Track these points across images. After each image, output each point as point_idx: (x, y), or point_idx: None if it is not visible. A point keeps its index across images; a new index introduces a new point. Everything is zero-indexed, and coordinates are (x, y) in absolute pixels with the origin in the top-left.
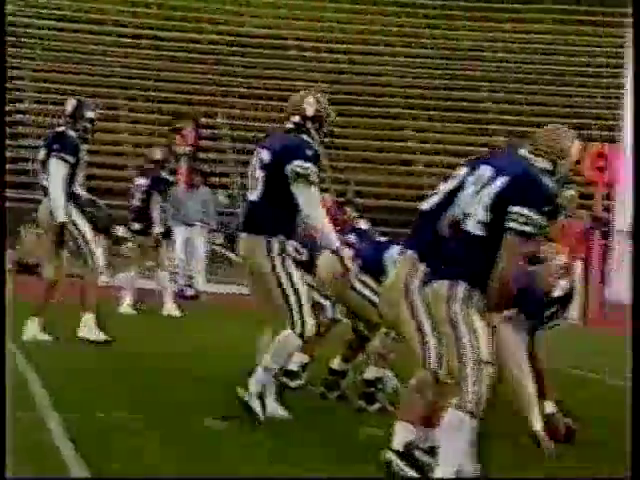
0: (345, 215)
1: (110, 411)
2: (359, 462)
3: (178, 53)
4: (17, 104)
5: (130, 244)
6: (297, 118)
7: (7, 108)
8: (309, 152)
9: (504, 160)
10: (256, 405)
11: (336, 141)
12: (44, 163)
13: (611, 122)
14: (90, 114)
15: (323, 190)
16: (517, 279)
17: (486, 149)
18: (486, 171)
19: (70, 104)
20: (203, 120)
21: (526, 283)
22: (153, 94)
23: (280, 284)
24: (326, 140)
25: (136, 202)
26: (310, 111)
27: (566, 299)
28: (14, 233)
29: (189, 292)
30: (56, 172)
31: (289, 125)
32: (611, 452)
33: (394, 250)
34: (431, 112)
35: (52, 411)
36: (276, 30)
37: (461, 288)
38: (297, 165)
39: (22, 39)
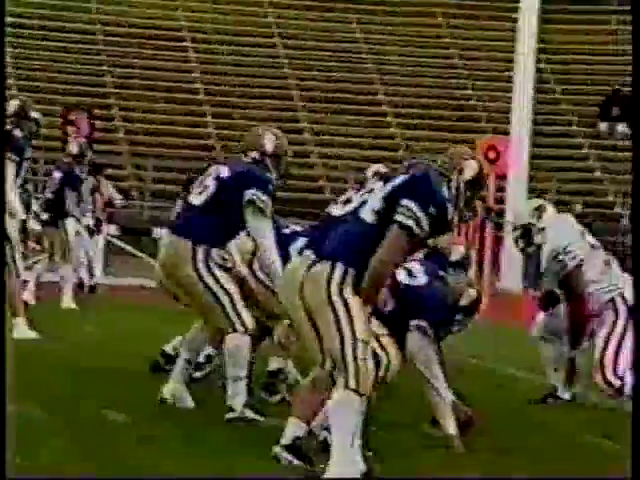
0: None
1: (12, 404)
2: (257, 451)
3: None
4: None
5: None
6: (255, 154)
7: None
8: (269, 186)
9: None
10: (252, 415)
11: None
12: None
13: (501, 115)
14: (34, 114)
15: None
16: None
17: (385, 151)
18: (396, 178)
19: (13, 105)
20: (97, 112)
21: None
22: (55, 86)
23: (208, 287)
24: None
25: (48, 194)
26: (269, 147)
27: (471, 308)
28: None
29: (92, 282)
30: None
31: (247, 159)
32: (611, 451)
33: (300, 242)
34: (325, 105)
35: None
36: (171, 21)
37: (339, 270)
38: (255, 195)
39: None
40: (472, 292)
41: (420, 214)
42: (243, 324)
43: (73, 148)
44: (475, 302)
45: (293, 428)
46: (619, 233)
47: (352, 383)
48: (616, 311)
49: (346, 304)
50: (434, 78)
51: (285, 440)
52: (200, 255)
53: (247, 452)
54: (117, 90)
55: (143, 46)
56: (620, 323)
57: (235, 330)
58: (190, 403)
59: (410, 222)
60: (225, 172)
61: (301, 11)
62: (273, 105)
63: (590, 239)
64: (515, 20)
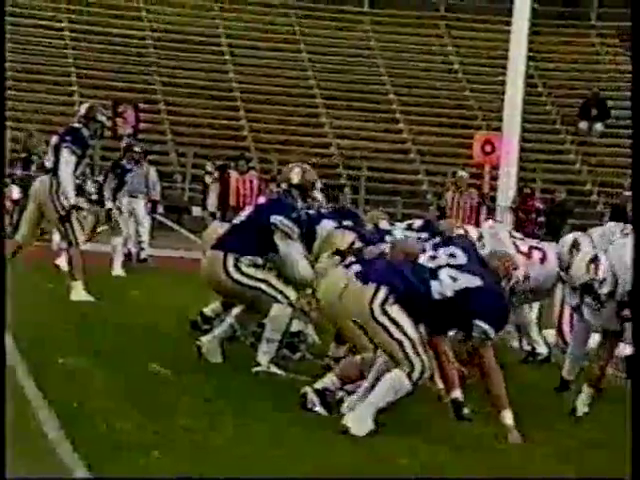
0: (268, 190)
1: (68, 357)
2: (284, 402)
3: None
4: None
5: (86, 213)
6: (285, 185)
7: None
8: (293, 213)
9: None
10: (275, 370)
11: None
12: (56, 149)
13: (495, 114)
14: (101, 118)
15: (250, 168)
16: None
17: (394, 142)
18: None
19: (84, 107)
20: (145, 106)
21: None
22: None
23: (242, 284)
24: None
25: (99, 178)
26: (295, 179)
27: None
28: None
29: (142, 255)
30: (66, 160)
31: (279, 190)
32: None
33: (324, 223)
34: (342, 102)
35: (18, 356)
36: (209, 28)
37: (383, 292)
38: (279, 220)
39: None
40: (517, 273)
41: (491, 333)
42: (286, 297)
43: (122, 143)
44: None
45: (329, 380)
46: (595, 217)
47: (415, 375)
48: None
49: (390, 316)
50: (438, 81)
51: (318, 385)
52: (230, 261)
53: (265, 398)
54: (163, 87)
55: (186, 50)
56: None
57: (279, 302)
58: (219, 358)
59: (483, 337)
60: (262, 200)
61: (320, 21)
62: (295, 102)
63: None
64: (508, 32)
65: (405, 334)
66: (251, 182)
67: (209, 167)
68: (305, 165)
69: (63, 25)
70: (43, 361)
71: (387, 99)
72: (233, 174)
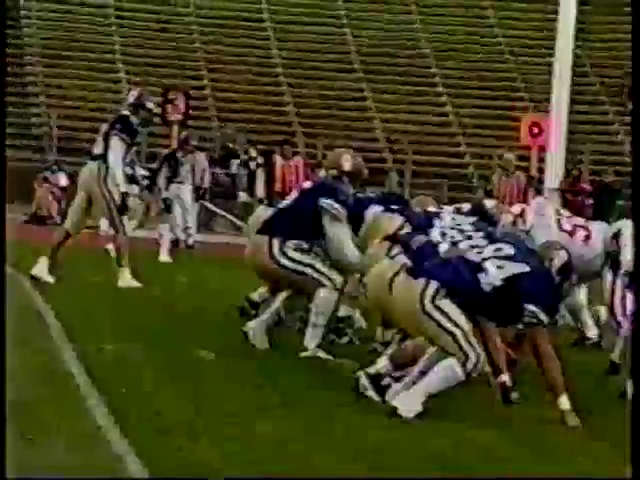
0: (316, 177)
1: (116, 343)
2: (332, 387)
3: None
4: (26, 67)
5: (136, 199)
6: (334, 171)
7: (18, 70)
8: (342, 196)
9: None
10: (323, 355)
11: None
12: (106, 136)
13: (543, 95)
14: (149, 105)
15: (295, 153)
16: None
17: (439, 126)
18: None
19: (132, 95)
20: (192, 92)
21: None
22: (149, 69)
23: (287, 268)
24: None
25: (153, 165)
26: (347, 167)
27: (567, 268)
28: (29, 190)
29: (190, 241)
30: (115, 148)
31: (327, 175)
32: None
33: (373, 208)
34: (387, 85)
35: (66, 343)
36: (253, 9)
37: (433, 287)
38: (328, 203)
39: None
40: (562, 253)
41: (543, 317)
42: (332, 281)
43: (173, 143)
44: (568, 262)
45: (382, 365)
46: None
47: (470, 366)
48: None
49: (441, 309)
50: (484, 62)
51: (371, 370)
52: (276, 245)
53: (312, 383)
54: (209, 74)
55: (232, 35)
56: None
57: (324, 286)
58: (266, 344)
59: (534, 321)
60: (307, 184)
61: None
62: (339, 85)
63: None
64: (556, 10)
65: (457, 325)
66: (297, 167)
67: (253, 153)
68: (350, 150)
69: (109, 11)
70: (91, 347)
71: (433, 82)
72: (278, 160)
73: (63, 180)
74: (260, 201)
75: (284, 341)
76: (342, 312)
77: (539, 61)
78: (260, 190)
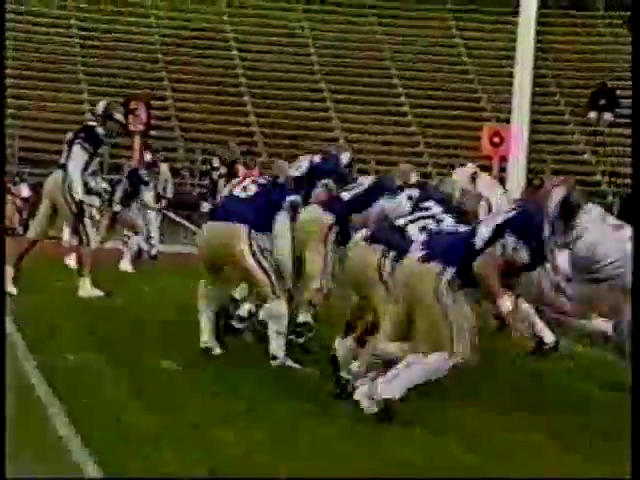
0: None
1: (78, 353)
2: (297, 397)
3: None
4: None
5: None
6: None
7: None
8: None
9: None
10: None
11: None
12: (69, 145)
13: (503, 105)
14: (118, 116)
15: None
16: None
17: (402, 135)
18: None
19: (101, 105)
20: (154, 102)
21: None
22: (111, 79)
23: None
24: None
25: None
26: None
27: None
28: None
29: (153, 252)
30: (77, 157)
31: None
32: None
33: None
34: (350, 96)
35: (28, 353)
36: (215, 24)
37: (450, 272)
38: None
39: None
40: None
41: (524, 251)
42: (274, 291)
43: (135, 154)
44: None
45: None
46: (605, 208)
47: (455, 360)
48: None
49: (452, 298)
50: (445, 73)
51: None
52: (246, 234)
53: (275, 392)
54: (172, 84)
55: (194, 46)
56: None
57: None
58: (218, 350)
59: (516, 257)
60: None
61: (326, 15)
62: (303, 96)
63: None
64: (515, 23)
65: (458, 319)
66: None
67: (215, 163)
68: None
69: (71, 22)
70: (53, 357)
71: (395, 92)
72: (241, 169)
73: (25, 191)
74: None
75: (245, 350)
76: (301, 318)
77: (500, 71)
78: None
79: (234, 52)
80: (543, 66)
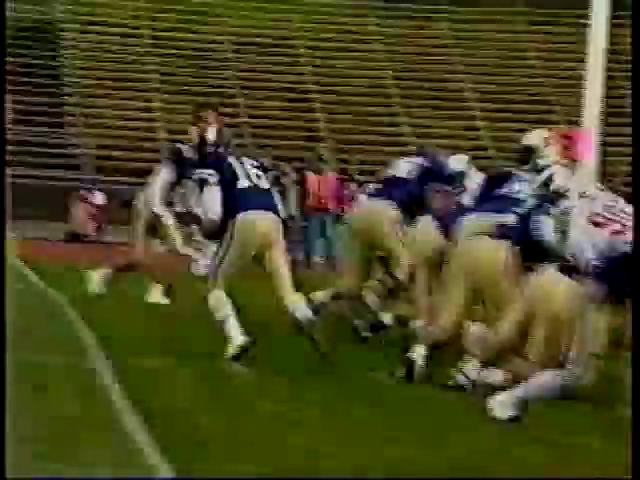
0: (346, 190)
1: (150, 357)
2: (365, 397)
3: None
4: (63, 88)
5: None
6: None
7: (56, 90)
8: None
9: None
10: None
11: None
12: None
13: (573, 108)
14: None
15: (327, 169)
16: None
17: (472, 140)
18: None
19: (210, 133)
20: (225, 109)
21: None
22: (184, 87)
23: None
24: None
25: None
26: None
27: None
28: (65, 209)
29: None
30: (161, 174)
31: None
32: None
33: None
34: (420, 101)
35: (102, 357)
36: (284, 31)
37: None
38: None
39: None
40: None
41: None
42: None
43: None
44: None
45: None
46: None
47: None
48: None
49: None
50: (515, 77)
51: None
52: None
53: (347, 396)
54: (242, 91)
55: (264, 53)
56: None
57: None
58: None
59: None
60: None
61: (396, 20)
62: (372, 102)
63: None
64: (586, 25)
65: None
66: (329, 183)
67: (287, 169)
68: None
69: (144, 32)
70: (127, 363)
71: (464, 97)
72: (311, 175)
73: (99, 199)
74: (291, 217)
75: (315, 353)
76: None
77: (571, 74)
78: (292, 206)
79: (304, 58)
80: (615, 69)
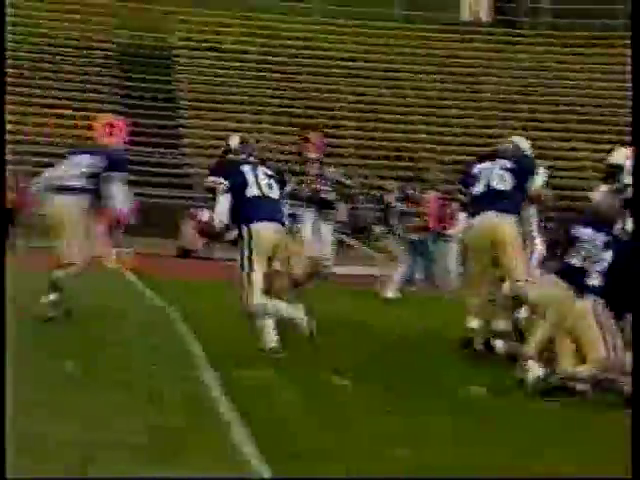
0: (448, 209)
1: (257, 369)
2: (466, 415)
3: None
4: (178, 111)
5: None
6: None
7: (171, 113)
8: None
9: None
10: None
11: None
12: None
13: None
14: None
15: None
16: None
17: (571, 160)
18: None
19: (233, 140)
20: (329, 131)
21: None
22: (291, 110)
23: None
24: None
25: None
26: None
27: None
28: (176, 227)
29: (326, 272)
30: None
31: None
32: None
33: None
34: (521, 123)
35: (209, 370)
36: (391, 55)
37: None
38: None
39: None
40: None
41: None
42: None
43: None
44: None
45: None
46: None
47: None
48: None
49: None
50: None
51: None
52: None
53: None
54: (349, 113)
55: (370, 77)
56: None
57: None
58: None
59: None
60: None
61: (497, 45)
62: (474, 123)
63: None
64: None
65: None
66: (432, 202)
67: (390, 187)
68: None
69: (253, 57)
70: (232, 375)
71: (563, 118)
72: (414, 195)
73: (206, 216)
74: (394, 234)
75: (425, 366)
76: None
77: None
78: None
79: (406, 82)
80: None
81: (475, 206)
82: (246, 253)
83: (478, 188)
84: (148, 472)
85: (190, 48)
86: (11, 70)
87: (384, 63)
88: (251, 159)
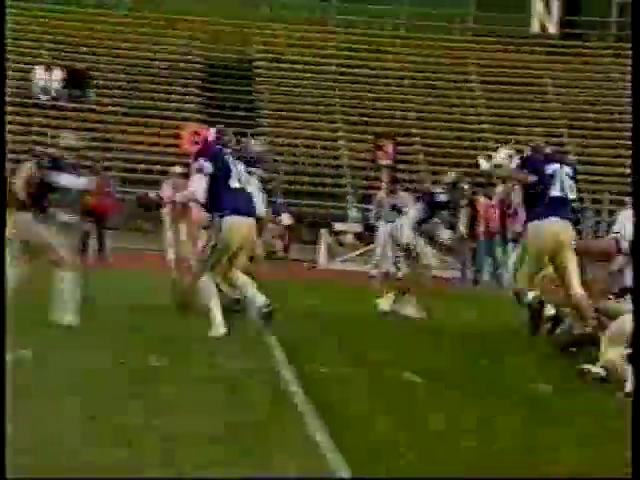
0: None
1: (332, 366)
2: (524, 406)
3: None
4: (258, 119)
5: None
6: None
7: (251, 122)
8: None
9: None
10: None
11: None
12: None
13: None
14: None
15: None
16: None
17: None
18: None
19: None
20: (400, 139)
21: None
22: (364, 119)
23: None
24: None
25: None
26: None
27: None
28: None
29: (398, 274)
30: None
31: None
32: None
33: None
34: (587, 131)
35: (287, 364)
36: (459, 66)
37: None
38: None
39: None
40: None
41: None
42: None
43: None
44: None
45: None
46: None
47: None
48: None
49: None
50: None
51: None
52: None
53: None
54: (417, 122)
55: (437, 87)
56: None
57: None
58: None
59: None
60: (569, 170)
61: (563, 57)
62: (532, 132)
63: None
64: None
65: None
66: (494, 207)
67: (464, 185)
68: None
69: (331, 69)
70: (308, 370)
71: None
72: (480, 200)
73: (286, 219)
74: (462, 237)
75: (492, 366)
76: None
77: None
78: (463, 228)
79: (477, 92)
80: None
81: (548, 208)
82: (214, 243)
83: (555, 192)
84: (227, 469)
85: (270, 60)
86: (110, 83)
87: (456, 74)
88: (228, 150)
